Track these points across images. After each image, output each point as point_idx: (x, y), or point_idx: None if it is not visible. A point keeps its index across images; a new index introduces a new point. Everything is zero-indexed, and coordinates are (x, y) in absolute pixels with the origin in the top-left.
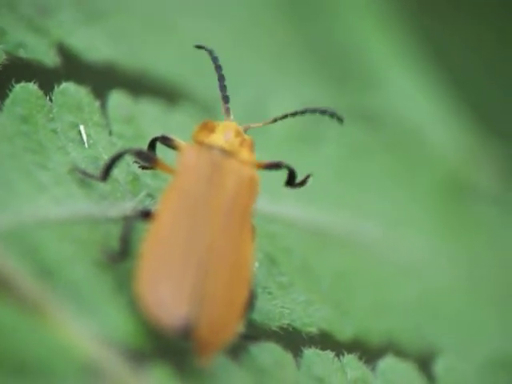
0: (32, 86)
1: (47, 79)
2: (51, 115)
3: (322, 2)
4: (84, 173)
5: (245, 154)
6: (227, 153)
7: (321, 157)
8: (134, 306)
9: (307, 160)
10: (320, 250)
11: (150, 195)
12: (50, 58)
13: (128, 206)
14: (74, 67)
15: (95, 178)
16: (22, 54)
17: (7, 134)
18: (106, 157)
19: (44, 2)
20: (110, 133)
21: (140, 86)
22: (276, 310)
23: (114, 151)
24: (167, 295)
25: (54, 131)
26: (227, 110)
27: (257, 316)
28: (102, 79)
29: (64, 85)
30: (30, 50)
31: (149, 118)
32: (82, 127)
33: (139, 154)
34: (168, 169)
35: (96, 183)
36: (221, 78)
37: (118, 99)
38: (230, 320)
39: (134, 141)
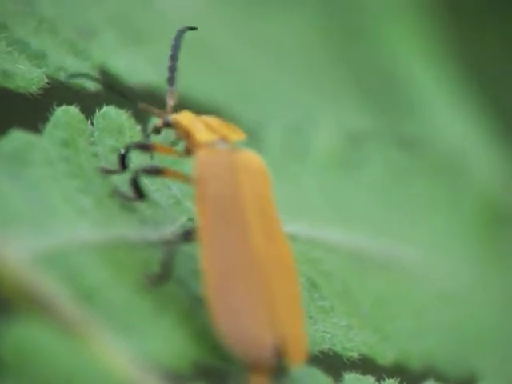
0: (73, 110)
1: (88, 102)
2: (92, 139)
3: (365, 27)
4: (123, 196)
5: (233, 133)
6: (227, 141)
7: (361, 182)
8: (174, 329)
9: (348, 185)
10: (360, 275)
11: (191, 219)
12: (91, 82)
13: (169, 230)
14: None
15: (133, 199)
16: (62, 77)
17: (48, 158)
18: (146, 181)
19: (86, 25)
20: (152, 157)
21: (182, 109)
22: (317, 334)
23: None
24: (251, 329)
25: (95, 155)
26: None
27: None
28: (143, 103)
29: (105, 108)
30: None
31: None
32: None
33: (149, 171)
34: (182, 177)
35: (137, 207)
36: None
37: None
38: (302, 321)
39: (176, 165)
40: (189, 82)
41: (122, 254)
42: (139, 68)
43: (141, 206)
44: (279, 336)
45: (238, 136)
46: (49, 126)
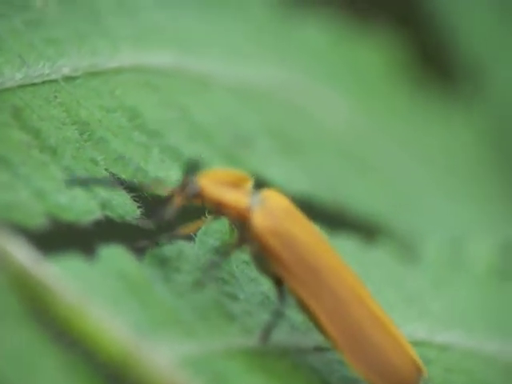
0: (225, 218)
1: None
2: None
3: None
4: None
5: (243, 181)
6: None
7: None
8: None
9: (506, 297)
10: None
11: None
12: None
13: (318, 338)
14: None
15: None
16: None
17: (199, 266)
18: None
19: (241, 133)
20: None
21: (338, 220)
22: None
23: None
24: (401, 370)
25: (247, 263)
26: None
27: None
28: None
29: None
30: None
31: (344, 253)
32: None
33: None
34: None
35: (289, 313)
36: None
37: None
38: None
39: None
40: (345, 193)
41: (271, 359)
42: (294, 177)
43: (292, 311)
44: (413, 360)
45: (248, 182)
46: (200, 234)
